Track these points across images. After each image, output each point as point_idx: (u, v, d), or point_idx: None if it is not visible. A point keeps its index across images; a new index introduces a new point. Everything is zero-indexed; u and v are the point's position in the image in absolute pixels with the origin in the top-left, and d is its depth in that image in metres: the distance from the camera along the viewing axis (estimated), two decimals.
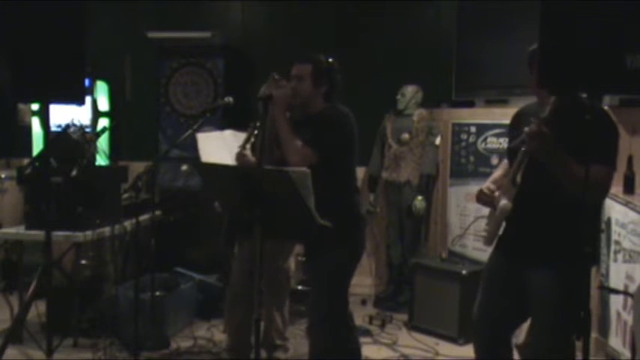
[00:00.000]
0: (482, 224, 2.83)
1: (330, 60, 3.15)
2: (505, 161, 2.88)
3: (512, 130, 2.77)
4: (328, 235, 2.72)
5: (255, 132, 3.28)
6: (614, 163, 2.47)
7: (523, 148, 2.48)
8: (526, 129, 2.37)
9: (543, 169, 2.42)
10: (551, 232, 2.56)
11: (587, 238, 2.44)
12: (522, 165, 2.50)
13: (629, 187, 3.72)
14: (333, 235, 2.76)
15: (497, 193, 2.69)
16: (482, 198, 2.79)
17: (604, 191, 2.50)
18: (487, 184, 2.80)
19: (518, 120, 2.75)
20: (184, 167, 5.51)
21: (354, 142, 3.13)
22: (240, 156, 3.36)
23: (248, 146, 3.35)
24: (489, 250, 2.94)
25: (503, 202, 2.60)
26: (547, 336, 2.57)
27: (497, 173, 2.89)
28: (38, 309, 3.99)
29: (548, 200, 2.54)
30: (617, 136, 2.51)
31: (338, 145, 3.06)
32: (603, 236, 3.83)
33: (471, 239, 4.96)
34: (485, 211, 2.81)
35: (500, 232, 2.69)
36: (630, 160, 3.75)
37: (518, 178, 2.52)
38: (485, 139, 4.94)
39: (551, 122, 2.35)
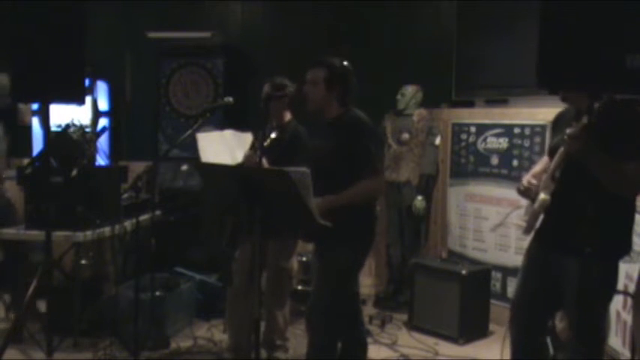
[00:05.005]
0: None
1: (345, 63, 3.14)
2: (545, 158, 3.04)
3: (554, 129, 2.98)
4: (343, 232, 2.74)
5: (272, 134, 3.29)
6: None
7: (562, 147, 2.66)
8: (568, 130, 2.51)
9: (581, 167, 2.57)
10: (586, 225, 2.65)
11: (621, 230, 2.70)
12: (561, 163, 2.68)
13: None
14: (348, 231, 2.78)
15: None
16: (523, 191, 2.94)
17: None
18: (528, 178, 2.95)
19: (558, 121, 2.95)
20: (184, 167, 5.52)
21: None
22: (248, 158, 3.41)
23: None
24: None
25: (542, 195, 2.77)
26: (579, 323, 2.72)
27: (537, 168, 3.05)
28: (38, 309, 4.00)
29: (584, 195, 2.66)
30: None
31: (373, 152, 3.05)
32: None
33: (471, 239, 4.96)
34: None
35: (538, 224, 2.84)
36: None
37: (557, 174, 2.71)
38: (485, 139, 4.93)
39: (593, 125, 2.47)
